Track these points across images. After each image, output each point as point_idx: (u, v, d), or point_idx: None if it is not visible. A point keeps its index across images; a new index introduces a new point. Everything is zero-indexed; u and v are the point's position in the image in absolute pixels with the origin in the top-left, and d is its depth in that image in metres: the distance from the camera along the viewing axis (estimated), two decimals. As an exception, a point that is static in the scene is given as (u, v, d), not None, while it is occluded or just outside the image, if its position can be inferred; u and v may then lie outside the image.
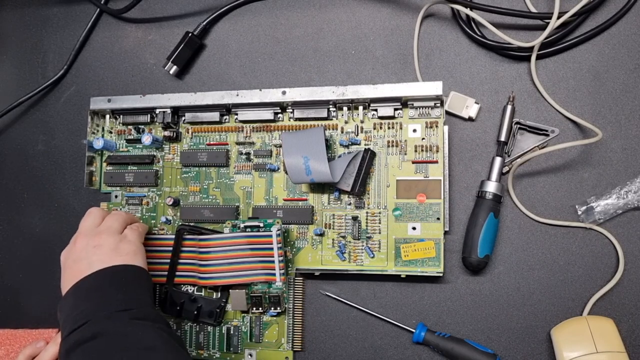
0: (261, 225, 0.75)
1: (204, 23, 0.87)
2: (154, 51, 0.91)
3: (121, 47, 0.92)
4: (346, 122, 0.78)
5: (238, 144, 0.81)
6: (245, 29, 0.88)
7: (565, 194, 0.76)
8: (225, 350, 0.79)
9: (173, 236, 0.79)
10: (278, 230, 0.74)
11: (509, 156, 0.77)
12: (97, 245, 0.68)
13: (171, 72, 0.87)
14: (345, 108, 0.77)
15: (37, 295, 0.90)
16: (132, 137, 0.84)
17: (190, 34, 0.87)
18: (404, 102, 0.75)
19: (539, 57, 0.78)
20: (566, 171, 0.76)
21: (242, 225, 0.75)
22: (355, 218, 0.76)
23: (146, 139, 0.80)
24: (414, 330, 0.76)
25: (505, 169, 0.77)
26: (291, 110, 0.79)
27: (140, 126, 0.84)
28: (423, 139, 0.75)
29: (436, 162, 0.75)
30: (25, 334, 0.87)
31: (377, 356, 0.78)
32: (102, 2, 0.92)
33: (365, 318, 0.79)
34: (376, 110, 0.76)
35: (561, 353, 0.69)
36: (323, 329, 0.79)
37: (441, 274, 0.74)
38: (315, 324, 0.80)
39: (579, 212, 0.75)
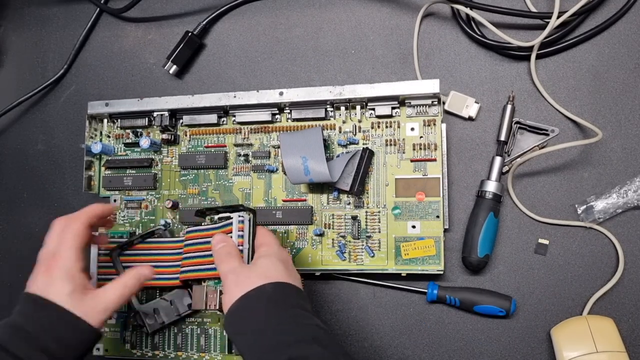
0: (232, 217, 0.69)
1: (204, 22, 0.87)
2: (154, 51, 0.91)
3: (121, 46, 0.92)
4: (344, 122, 0.78)
5: (236, 145, 0.81)
6: (245, 29, 0.88)
7: (565, 193, 0.76)
8: (227, 353, 0.79)
9: (174, 239, 0.79)
10: (241, 217, 0.68)
11: (508, 156, 0.77)
12: None
13: (171, 71, 0.87)
14: (342, 108, 0.77)
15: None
16: (130, 141, 0.84)
17: (190, 34, 0.87)
18: (401, 101, 0.75)
19: (538, 57, 0.77)
20: (566, 171, 0.76)
21: (216, 218, 0.71)
22: (354, 217, 0.76)
23: (144, 142, 0.80)
24: (425, 291, 0.76)
25: (505, 169, 0.76)
26: (289, 110, 0.79)
27: (138, 130, 0.84)
28: (421, 137, 0.75)
29: (434, 160, 0.74)
30: None
31: (378, 355, 0.78)
32: (102, 2, 0.92)
33: (365, 318, 0.79)
34: (374, 109, 0.76)
35: (561, 353, 0.69)
36: (323, 329, 0.79)
37: (442, 272, 0.74)
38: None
39: (579, 212, 0.75)
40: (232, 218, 0.67)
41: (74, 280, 0.62)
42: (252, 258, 0.66)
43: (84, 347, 0.62)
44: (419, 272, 0.74)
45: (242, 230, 0.67)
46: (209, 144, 0.82)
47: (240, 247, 0.66)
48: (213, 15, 0.88)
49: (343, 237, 0.76)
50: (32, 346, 0.59)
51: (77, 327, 0.61)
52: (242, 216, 0.67)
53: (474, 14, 0.77)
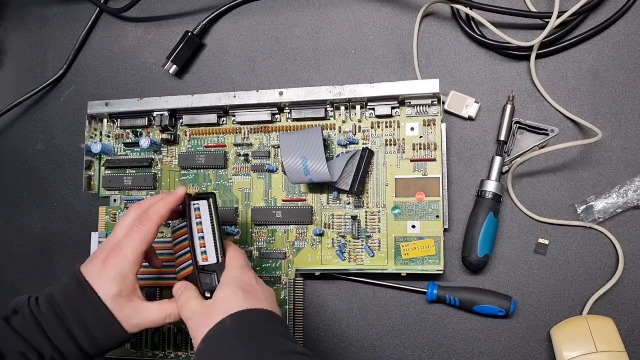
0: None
1: (204, 22, 0.87)
2: (154, 51, 0.91)
3: (121, 46, 0.92)
4: (344, 122, 0.78)
5: (236, 145, 0.81)
6: (245, 29, 0.88)
7: (565, 193, 0.76)
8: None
9: (166, 239, 0.78)
10: (196, 204, 0.67)
11: (508, 156, 0.77)
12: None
13: (171, 71, 0.87)
14: (342, 108, 0.77)
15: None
16: (130, 141, 0.84)
17: (190, 34, 0.87)
18: (401, 101, 0.75)
19: (538, 57, 0.77)
20: (566, 171, 0.76)
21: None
22: (354, 217, 0.76)
23: (144, 142, 0.80)
24: (425, 291, 0.76)
25: (505, 169, 0.76)
26: (289, 111, 0.79)
27: (138, 130, 0.84)
28: (421, 137, 0.75)
29: (434, 160, 0.74)
30: None
31: (378, 355, 0.78)
32: (102, 2, 0.92)
33: (365, 318, 0.79)
34: (374, 109, 0.76)
35: (561, 353, 0.69)
36: (323, 329, 0.79)
37: (442, 272, 0.74)
38: (315, 324, 0.80)
39: (579, 212, 0.75)
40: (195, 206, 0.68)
41: (125, 283, 0.62)
42: (222, 248, 0.66)
43: (110, 345, 0.62)
44: (419, 272, 0.74)
45: (200, 217, 0.67)
46: (209, 144, 0.82)
47: (201, 234, 0.66)
48: (213, 15, 0.88)
49: (343, 237, 0.76)
50: (61, 326, 0.60)
51: (110, 325, 0.61)
52: (197, 203, 0.68)
53: (474, 14, 0.77)
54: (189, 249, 0.67)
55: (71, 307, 0.61)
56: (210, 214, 0.67)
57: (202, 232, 0.66)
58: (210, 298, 0.63)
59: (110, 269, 0.62)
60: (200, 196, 0.68)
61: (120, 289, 0.61)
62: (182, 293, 0.64)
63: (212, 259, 0.66)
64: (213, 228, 0.67)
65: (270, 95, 0.77)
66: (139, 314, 0.63)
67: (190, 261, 0.67)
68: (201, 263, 0.66)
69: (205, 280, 0.65)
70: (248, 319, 0.58)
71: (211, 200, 0.68)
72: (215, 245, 0.66)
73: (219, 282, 0.64)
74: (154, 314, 0.63)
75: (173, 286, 0.76)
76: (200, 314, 0.60)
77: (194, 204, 0.67)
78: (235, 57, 0.88)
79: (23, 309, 0.61)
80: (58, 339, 0.60)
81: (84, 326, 0.60)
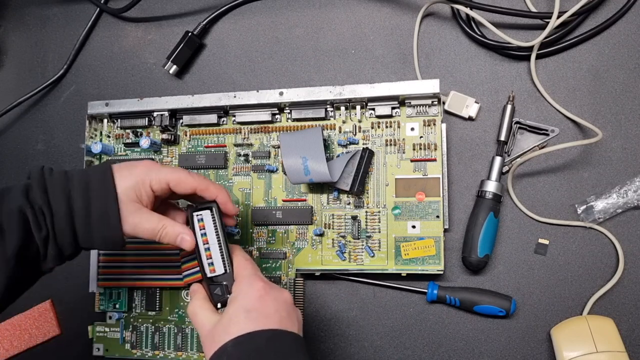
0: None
1: (204, 22, 0.87)
2: (154, 51, 0.91)
3: (121, 46, 0.92)
4: (344, 122, 0.78)
5: (236, 145, 0.81)
6: (245, 29, 0.88)
7: (565, 193, 0.76)
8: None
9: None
10: (199, 215, 0.67)
11: (508, 156, 0.77)
12: None
13: (171, 71, 0.87)
14: (342, 108, 0.77)
15: (36, 295, 0.89)
16: (130, 141, 0.84)
17: (190, 34, 0.87)
18: (401, 101, 0.75)
19: (538, 57, 0.77)
20: (566, 171, 0.76)
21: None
22: (354, 217, 0.76)
23: (144, 142, 0.80)
24: (425, 291, 0.76)
25: (505, 169, 0.76)
26: (289, 111, 0.79)
27: (138, 130, 0.84)
28: (421, 137, 0.75)
29: (434, 160, 0.74)
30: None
31: (377, 356, 0.78)
32: (102, 2, 0.92)
33: (365, 318, 0.79)
34: (374, 109, 0.76)
35: (561, 353, 0.69)
36: (323, 329, 0.79)
37: (442, 272, 0.74)
38: (315, 324, 0.80)
39: (579, 212, 0.75)
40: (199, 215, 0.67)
41: (141, 191, 0.63)
42: (229, 257, 0.66)
43: (99, 225, 0.61)
44: (419, 272, 0.74)
45: (204, 229, 0.66)
46: (209, 144, 0.82)
47: (207, 245, 0.66)
48: (213, 15, 0.88)
49: (343, 237, 0.76)
50: (63, 188, 0.60)
51: (110, 208, 0.61)
52: (200, 214, 0.67)
53: (474, 14, 0.77)
54: (194, 255, 0.67)
55: (83, 181, 0.61)
56: (214, 224, 0.67)
57: (208, 244, 0.66)
58: (221, 308, 0.63)
59: (136, 173, 0.63)
60: (201, 206, 0.67)
61: (135, 194, 0.62)
62: (194, 296, 0.64)
63: (219, 270, 0.65)
64: (218, 238, 0.66)
65: (270, 95, 0.77)
66: (140, 215, 0.62)
67: (196, 268, 0.67)
68: (209, 275, 0.65)
69: (215, 291, 0.65)
70: (248, 346, 0.56)
71: (214, 209, 0.67)
72: (222, 256, 0.66)
73: (229, 292, 0.64)
74: (152, 220, 0.63)
75: (173, 287, 0.77)
76: (207, 334, 0.59)
77: (197, 215, 0.67)
78: (235, 57, 0.88)
79: (34, 170, 0.62)
80: (56, 202, 0.60)
81: (85, 195, 0.60)
